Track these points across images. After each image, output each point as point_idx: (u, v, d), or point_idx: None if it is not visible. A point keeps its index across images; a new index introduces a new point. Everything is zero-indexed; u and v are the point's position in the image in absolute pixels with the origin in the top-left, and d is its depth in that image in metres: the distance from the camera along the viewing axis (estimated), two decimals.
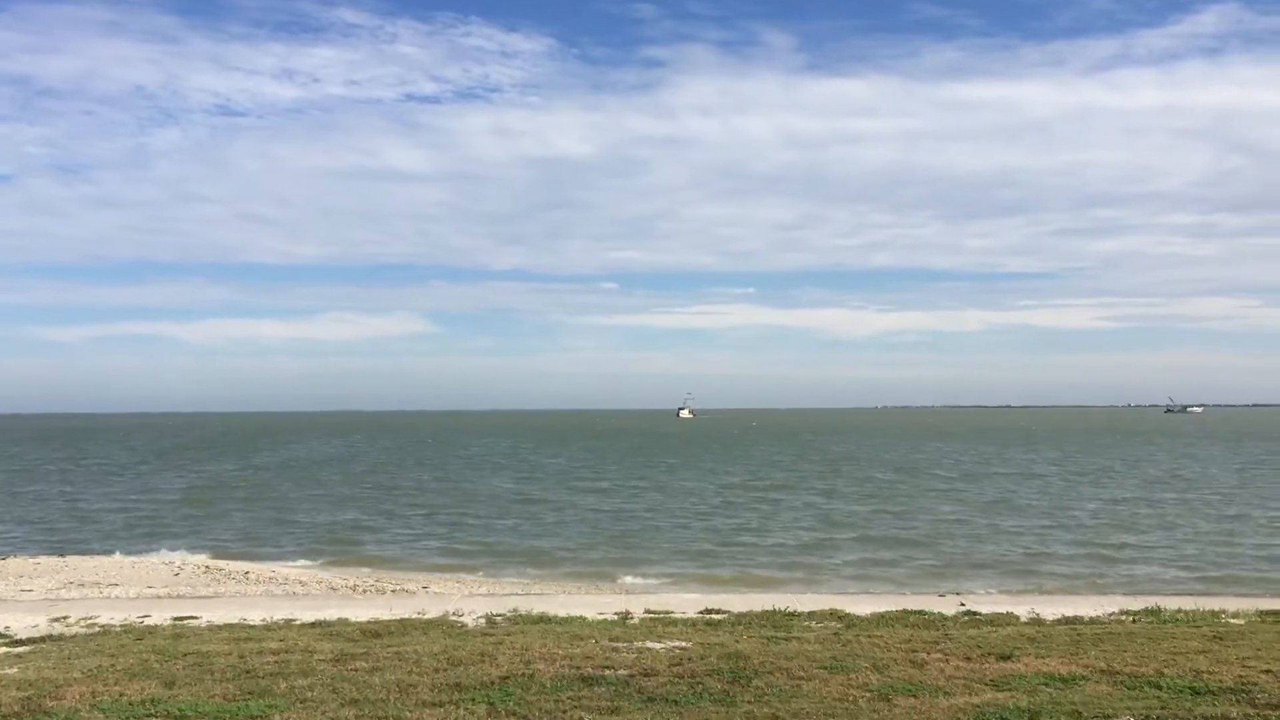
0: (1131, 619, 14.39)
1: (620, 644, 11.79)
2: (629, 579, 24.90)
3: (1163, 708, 8.43)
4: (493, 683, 9.82)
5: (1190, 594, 18.81)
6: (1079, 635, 12.26)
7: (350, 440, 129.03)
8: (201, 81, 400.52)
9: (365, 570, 26.75)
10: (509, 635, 12.67)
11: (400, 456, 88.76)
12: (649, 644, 11.80)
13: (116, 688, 9.83)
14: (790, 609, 15.63)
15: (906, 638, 12.29)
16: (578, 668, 10.41)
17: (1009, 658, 10.80)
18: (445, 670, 10.43)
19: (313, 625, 14.21)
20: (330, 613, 15.91)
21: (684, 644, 11.77)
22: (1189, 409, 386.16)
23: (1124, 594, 18.16)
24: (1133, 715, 8.12)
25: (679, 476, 60.26)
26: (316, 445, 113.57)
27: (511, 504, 44.27)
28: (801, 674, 10.02)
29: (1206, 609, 15.31)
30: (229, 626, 14.25)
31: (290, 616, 15.41)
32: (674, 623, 14.17)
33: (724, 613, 15.59)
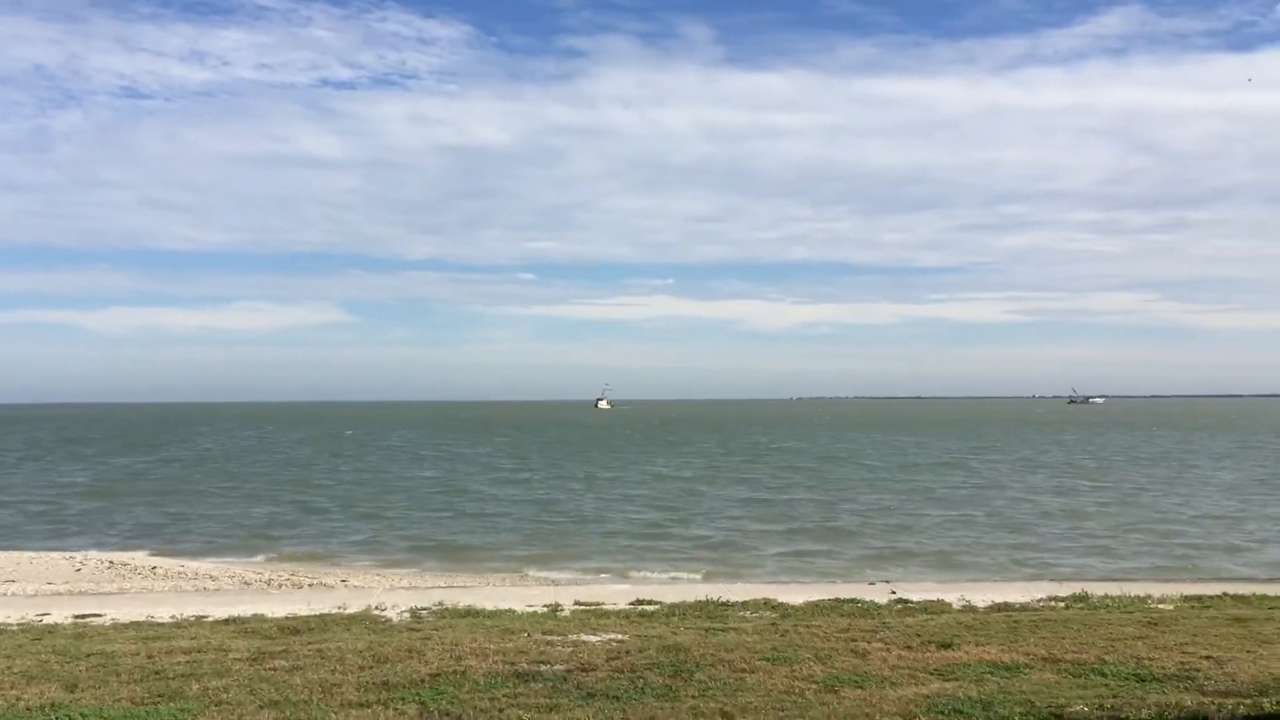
0: (1064, 605, 14.39)
1: (554, 637, 11.37)
2: (555, 572, 24.41)
3: (1114, 696, 8.28)
4: (423, 680, 9.33)
5: (1114, 579, 18.99)
6: (1015, 622, 12.16)
7: (263, 431, 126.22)
8: (105, 62, 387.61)
9: (281, 565, 25.87)
10: (437, 630, 12.16)
11: (316, 448, 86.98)
12: (584, 637, 11.40)
13: (13, 692, 9.14)
14: (723, 599, 15.36)
15: (844, 627, 12.08)
16: (511, 663, 9.97)
17: (950, 646, 10.62)
18: (371, 668, 9.91)
19: (226, 622, 13.54)
20: (244, 608, 15.23)
21: (620, 636, 11.40)
22: (1091, 400, 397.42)
23: (1051, 580, 18.25)
24: (1085, 705, 7.94)
25: (601, 468, 59.88)
26: (228, 437, 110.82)
27: (432, 496, 43.48)
28: (744, 666, 9.71)
29: (1133, 594, 15.40)
30: (136, 625, 13.51)
31: (201, 613, 14.70)
32: (606, 615, 13.80)
33: (656, 604, 15.28)
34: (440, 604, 15.17)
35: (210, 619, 14.04)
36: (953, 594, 16.03)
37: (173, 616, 14.45)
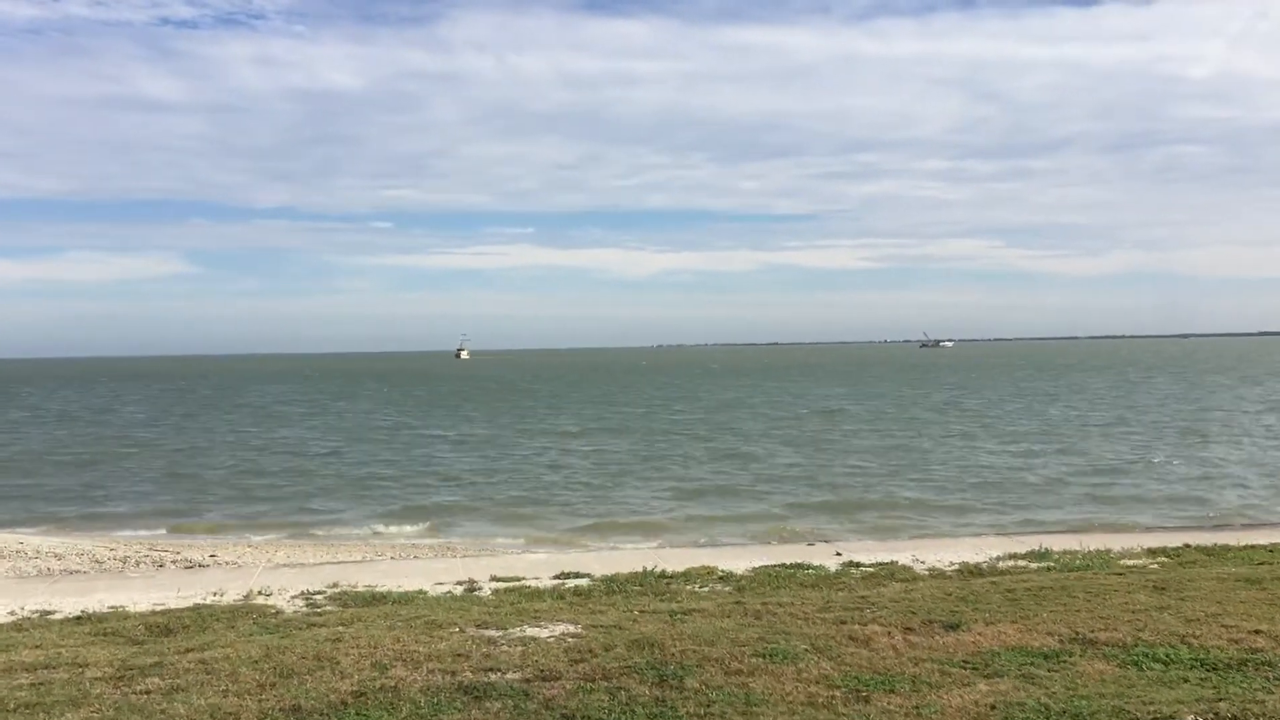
0: (1033, 566, 13.22)
1: (492, 632, 9.52)
2: (454, 539, 22.43)
3: (1217, 697, 6.92)
4: (344, 703, 7.39)
5: (1052, 531, 18.13)
6: (1008, 591, 10.86)
7: (103, 390, 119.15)
8: None
9: (134, 536, 23.18)
10: (344, 625, 10.16)
11: (165, 405, 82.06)
12: (529, 630, 9.58)
13: None
14: (658, 568, 13.72)
15: (822, 603, 10.57)
16: (451, 672, 8.09)
17: (957, 627, 9.21)
18: (274, 685, 7.90)
19: (79, 620, 11.23)
20: (100, 597, 12.87)
21: (572, 628, 9.62)
22: (941, 344, 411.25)
23: (997, 534, 17.19)
24: (1194, 714, 6.54)
25: (472, 423, 57.70)
26: (62, 396, 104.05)
27: (302, 458, 40.67)
28: (738, 666, 8.06)
29: (1091, 548, 14.41)
30: None
31: (47, 607, 12.28)
32: (537, 595, 11.98)
33: (584, 575, 13.54)
34: (335, 585, 13.11)
35: (59, 615, 11.69)
36: (902, 554, 14.74)
37: (12, 613, 12.01)
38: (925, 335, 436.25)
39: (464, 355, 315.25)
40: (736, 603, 10.81)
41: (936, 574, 12.82)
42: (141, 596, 12.96)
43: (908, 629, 9.24)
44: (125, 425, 59.77)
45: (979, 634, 8.95)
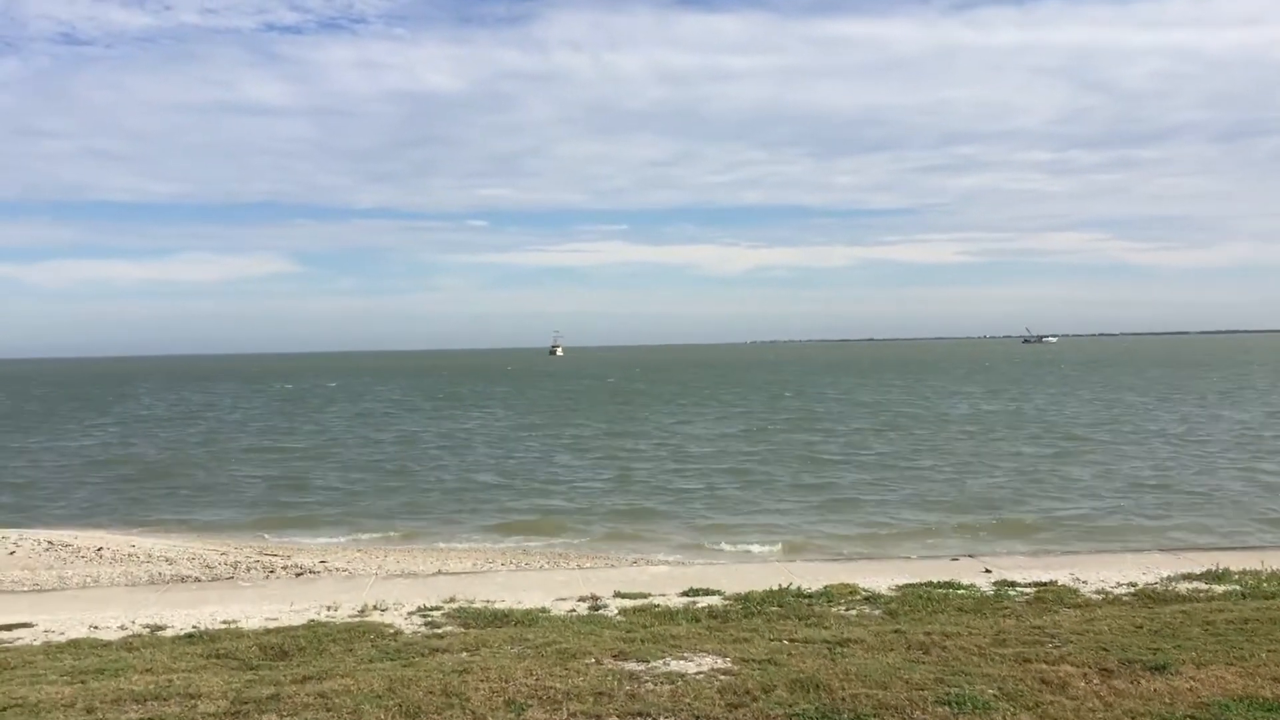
0: (1217, 589, 11.87)
1: (633, 665, 8.63)
2: (568, 546, 21.66)
3: None
4: None
5: (1223, 548, 16.61)
6: (1205, 622, 9.61)
7: (216, 390, 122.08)
8: (43, 8, 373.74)
9: (245, 540, 22.92)
10: (469, 651, 9.37)
11: (284, 408, 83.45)
12: (672, 664, 8.66)
13: None
14: (793, 585, 12.71)
15: (991, 634, 9.46)
16: (596, 716, 7.22)
17: (1164, 669, 8.04)
18: None
19: (190, 639, 10.65)
20: (211, 610, 12.37)
21: (720, 661, 8.68)
22: (1045, 339, 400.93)
23: (1160, 551, 15.74)
24: None
25: (583, 426, 57.22)
26: (179, 396, 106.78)
27: (411, 461, 40.52)
28: (923, 718, 7.04)
29: (1273, 568, 12.98)
30: (74, 644, 10.58)
31: (158, 620, 11.78)
32: (670, 617, 11.08)
33: (714, 593, 12.61)
34: (452, 600, 12.39)
35: (169, 631, 11.15)
36: (1059, 572, 13.49)
37: (123, 627, 11.53)
38: (1028, 331, 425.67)
39: (559, 352, 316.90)
40: (895, 631, 9.76)
41: (1109, 598, 11.58)
42: (254, 609, 12.41)
43: (1105, 670, 8.10)
44: (235, 426, 60.66)
45: (1193, 679, 7.78)
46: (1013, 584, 12.83)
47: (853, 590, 12.53)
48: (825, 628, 10.24)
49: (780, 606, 11.61)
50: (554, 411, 64.50)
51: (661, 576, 14.37)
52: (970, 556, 15.27)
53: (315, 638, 10.32)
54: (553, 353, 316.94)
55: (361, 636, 10.40)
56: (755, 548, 20.68)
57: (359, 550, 21.13)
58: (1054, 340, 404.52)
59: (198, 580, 16.99)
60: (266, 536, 23.33)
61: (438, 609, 11.93)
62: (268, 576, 17.25)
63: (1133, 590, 12.02)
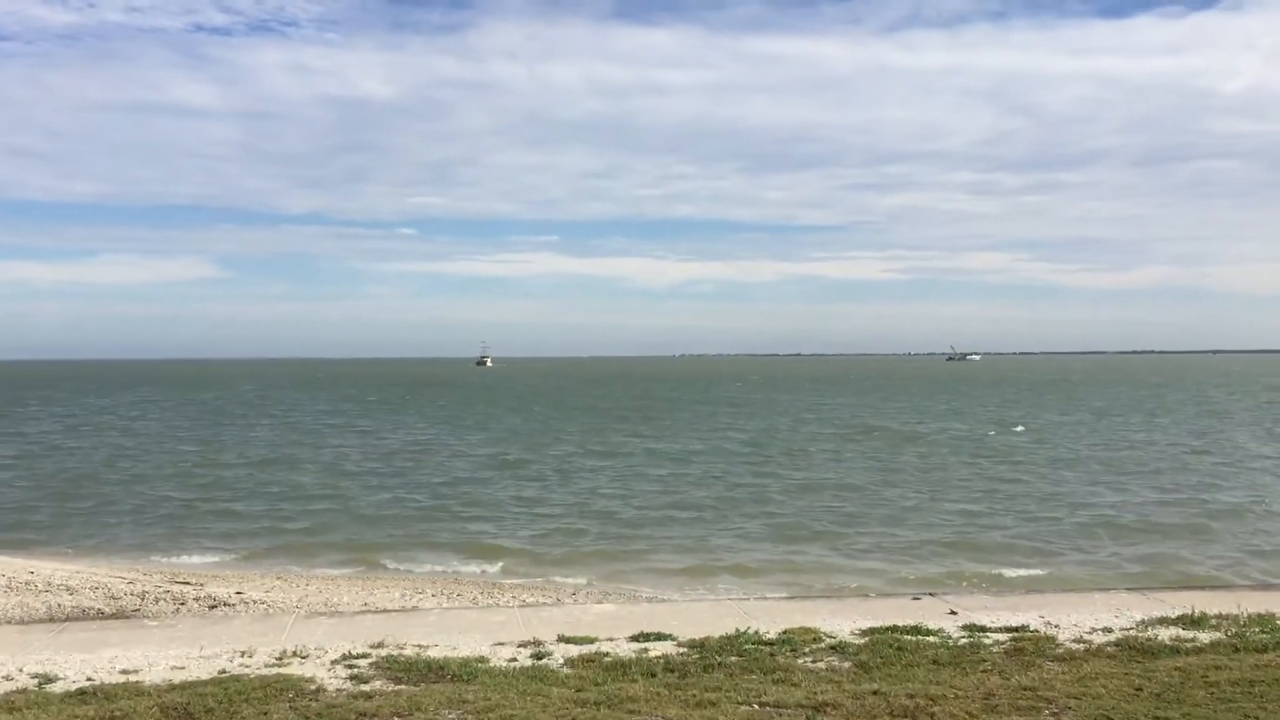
0: (1203, 638, 11.22)
1: None
2: (503, 575, 20.56)
3: None
4: None
5: (1193, 587, 16.10)
6: (1207, 683, 8.91)
7: (134, 395, 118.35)
8: None
9: (156, 564, 21.44)
10: (399, 716, 8.32)
11: (205, 418, 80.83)
12: None
13: None
14: (750, 629, 11.85)
15: (979, 697, 8.67)
16: None
17: None
18: None
19: (82, 695, 9.43)
20: (111, 654, 11.13)
21: None
22: (968, 357, 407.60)
23: (1128, 590, 15.14)
24: None
25: (513, 440, 55.98)
26: (93, 404, 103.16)
27: (336, 478, 39.01)
28: None
29: (1250, 611, 12.41)
30: None
31: (48, 670, 10.50)
32: (623, 669, 10.12)
33: (667, 637, 11.69)
34: (381, 645, 11.31)
35: (60, 684, 9.91)
36: (1028, 614, 12.81)
37: (7, 677, 10.27)
38: (952, 348, 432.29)
39: (489, 363, 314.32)
40: (874, 693, 8.91)
41: (1091, 649, 10.86)
42: (159, 654, 11.20)
43: None
44: (151, 437, 58.40)
45: None
46: (983, 629, 12.09)
47: (815, 636, 11.69)
48: (795, 685, 9.37)
49: (740, 655, 10.72)
50: (492, 428, 62.93)
51: (607, 617, 13.40)
52: (931, 595, 14.52)
53: (226, 696, 9.17)
54: (481, 363, 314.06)
55: (278, 695, 9.27)
56: (705, 589, 19.67)
57: (278, 578, 19.83)
58: (977, 358, 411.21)
59: (100, 614, 15.65)
60: (178, 561, 21.88)
61: (365, 656, 10.84)
62: (177, 609, 15.96)
63: (1112, 638, 11.33)
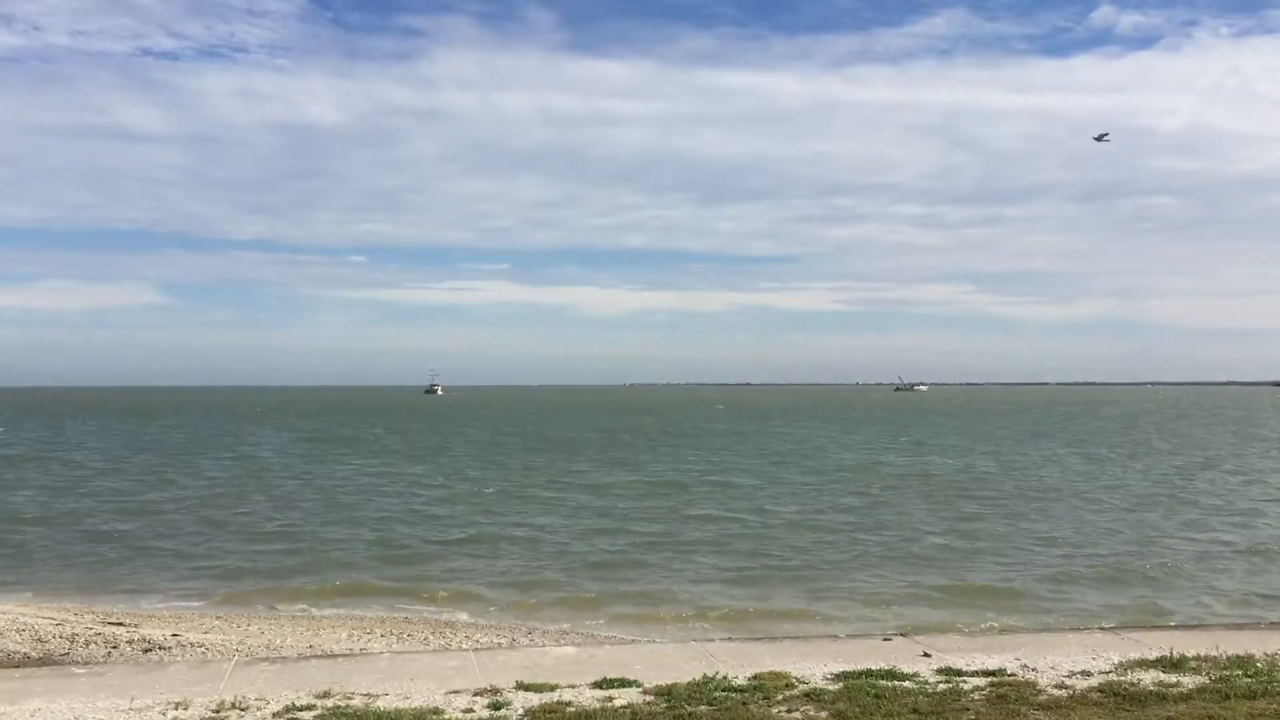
0: (1187, 683, 10.84)
1: None
2: (455, 613, 19.77)
3: None
4: None
5: (1159, 627, 15.77)
6: None
7: (71, 426, 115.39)
8: None
9: (87, 603, 20.41)
10: None
11: (147, 447, 78.86)
12: None
13: None
14: (718, 674, 11.29)
15: None
16: None
17: None
18: None
19: None
20: (34, 706, 10.34)
21: None
22: (916, 387, 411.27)
23: (1101, 630, 14.77)
24: None
25: (460, 471, 55.03)
26: (27, 433, 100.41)
27: (277, 511, 37.88)
28: None
29: (1229, 654, 12.06)
30: None
31: None
32: (588, 719, 9.50)
33: (632, 683, 11.09)
34: (327, 695, 10.61)
35: None
36: (1002, 655, 12.36)
37: None
38: (900, 379, 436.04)
39: (439, 391, 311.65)
40: None
41: (1075, 695, 10.43)
42: (85, 706, 10.41)
43: None
44: (92, 472, 56.70)
45: None
46: (959, 672, 11.62)
47: (787, 681, 11.15)
48: None
49: (710, 704, 10.17)
50: (442, 458, 61.67)
51: (568, 661, 12.74)
52: (902, 635, 14.04)
53: None
54: (431, 391, 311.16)
55: None
56: (667, 630, 18.94)
57: (218, 618, 18.92)
58: (925, 388, 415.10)
59: (26, 658, 14.73)
60: (112, 601, 20.86)
61: (309, 708, 10.14)
62: (109, 653, 15.07)
63: (1094, 683, 10.91)
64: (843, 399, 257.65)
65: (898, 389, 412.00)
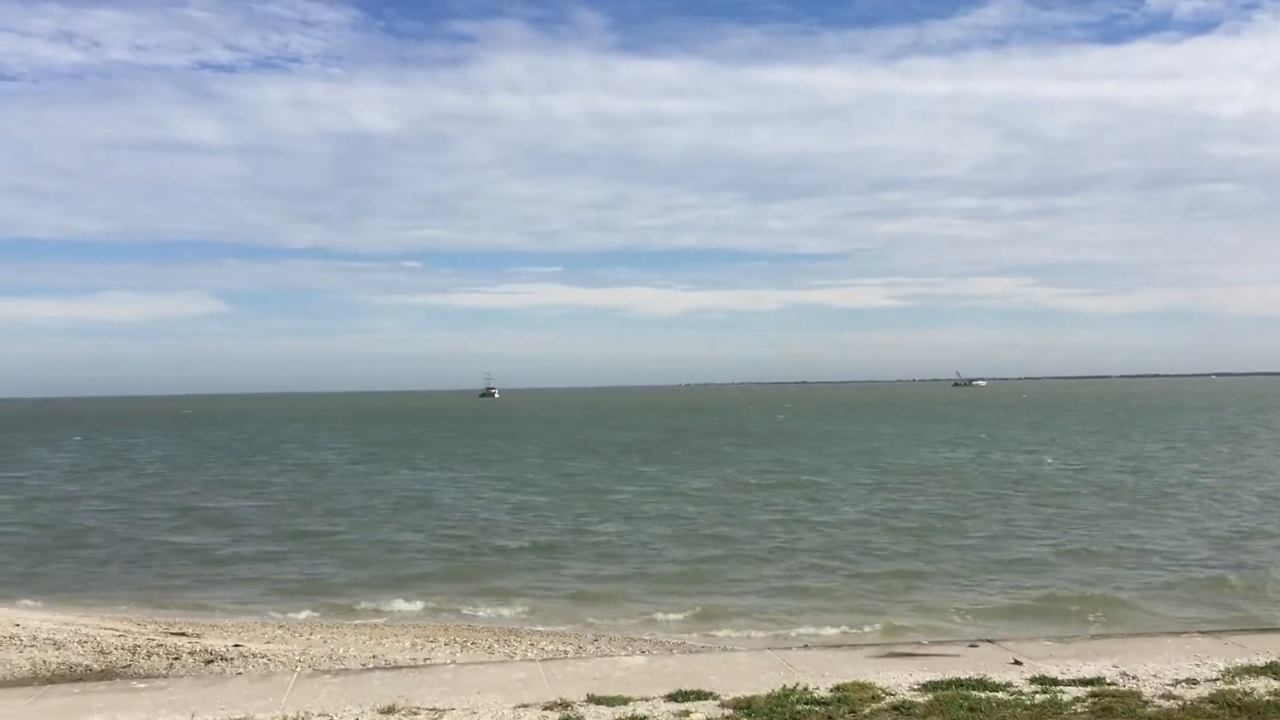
0: None
1: None
2: (519, 621, 19.35)
3: None
4: None
5: (1259, 629, 14.92)
6: None
7: (136, 437, 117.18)
8: None
9: (150, 613, 20.30)
10: None
11: (212, 457, 79.72)
12: None
13: None
14: (799, 684, 10.72)
15: None
16: None
17: None
18: None
19: None
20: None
21: None
22: (974, 382, 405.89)
23: (1200, 634, 13.94)
24: None
25: (536, 476, 54.78)
26: (95, 443, 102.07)
27: (343, 518, 37.83)
28: None
29: None
30: None
31: None
32: None
33: (708, 696, 10.55)
34: (392, 711, 10.21)
35: None
36: (1098, 662, 11.66)
37: None
38: (958, 374, 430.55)
39: (495, 395, 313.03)
40: None
41: (1184, 706, 9.72)
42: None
43: None
44: (158, 480, 57.28)
45: None
46: (1054, 681, 10.94)
47: (872, 693, 10.55)
48: None
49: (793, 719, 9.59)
50: (508, 463, 60.80)
51: (639, 671, 12.23)
52: (989, 641, 13.36)
53: None
54: (487, 395, 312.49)
55: None
56: (738, 636, 18.32)
57: (280, 626, 18.67)
58: (983, 384, 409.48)
59: (88, 671, 14.53)
60: (175, 610, 20.73)
61: None
62: (171, 665, 14.84)
63: (1203, 693, 10.19)
64: (901, 396, 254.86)
65: (955, 384, 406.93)
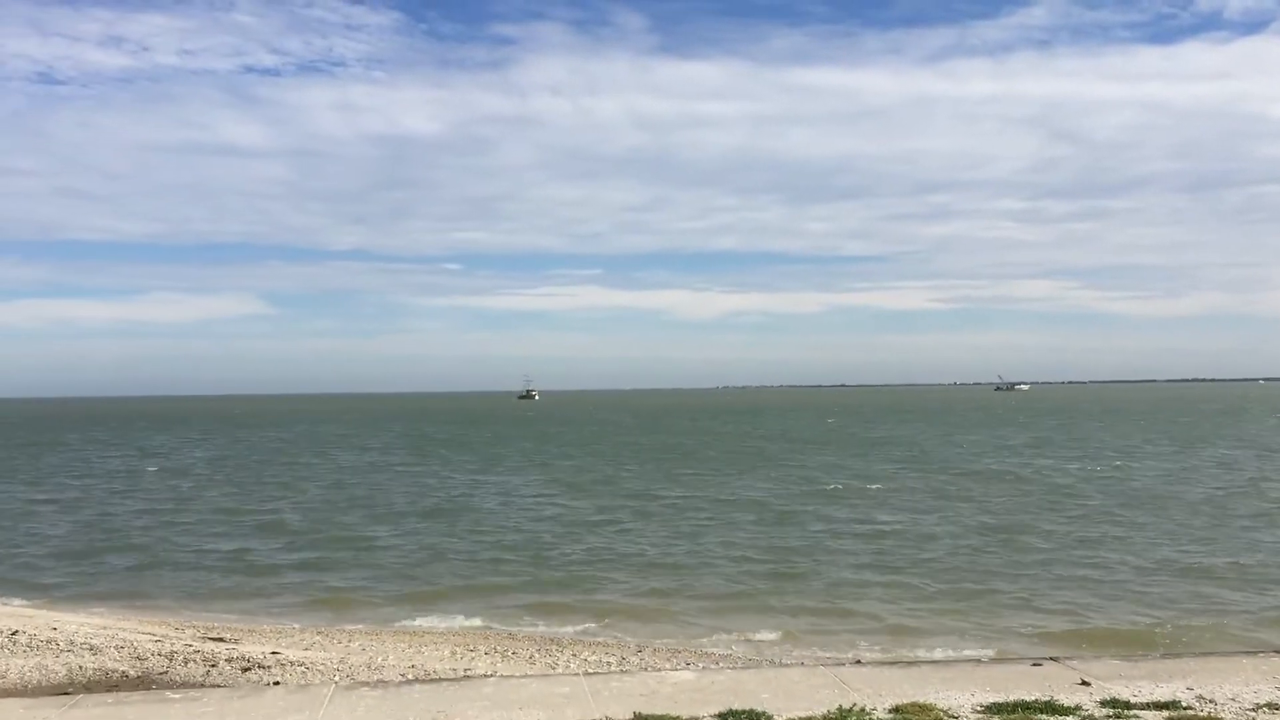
0: None
1: None
2: (562, 627, 18.93)
3: None
4: None
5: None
6: None
7: (180, 437, 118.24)
8: (19, 47, 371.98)
9: (189, 617, 20.09)
10: None
11: (256, 459, 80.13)
12: None
13: None
14: (856, 704, 10.20)
15: None
16: None
17: None
18: None
19: None
20: None
21: None
22: (1016, 386, 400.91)
23: (1276, 653, 13.25)
24: None
25: (574, 479, 54.39)
26: (141, 444, 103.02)
27: (382, 525, 37.64)
28: None
29: None
30: None
31: None
32: None
33: (762, 716, 10.06)
34: None
35: None
36: (1171, 684, 11.04)
37: None
38: (1000, 378, 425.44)
39: (535, 396, 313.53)
40: None
41: None
42: None
43: None
44: (201, 482, 57.57)
45: None
46: (1126, 704, 10.34)
47: (935, 715, 10.01)
48: None
49: None
50: (552, 467, 59.86)
51: (687, 688, 11.75)
52: (1054, 660, 12.75)
53: None
54: (526, 397, 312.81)
55: None
56: (790, 650, 17.71)
57: (319, 633, 18.37)
58: (1026, 388, 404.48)
59: (124, 677, 14.28)
60: (213, 614, 20.52)
61: None
62: (208, 672, 14.55)
63: None
64: (946, 400, 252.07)
65: (998, 389, 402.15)
